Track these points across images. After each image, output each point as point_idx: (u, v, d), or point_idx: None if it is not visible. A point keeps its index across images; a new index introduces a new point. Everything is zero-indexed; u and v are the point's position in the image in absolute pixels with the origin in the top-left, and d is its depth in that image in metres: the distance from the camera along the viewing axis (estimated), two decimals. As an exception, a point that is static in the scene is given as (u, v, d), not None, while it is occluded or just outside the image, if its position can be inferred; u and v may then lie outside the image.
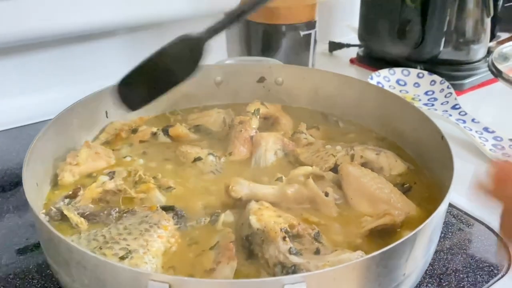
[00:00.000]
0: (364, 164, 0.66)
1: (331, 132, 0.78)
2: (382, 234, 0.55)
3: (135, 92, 0.61)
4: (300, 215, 0.58)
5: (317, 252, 0.51)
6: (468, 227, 0.67)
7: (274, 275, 0.49)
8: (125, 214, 0.57)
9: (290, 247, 0.50)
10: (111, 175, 0.64)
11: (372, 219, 0.57)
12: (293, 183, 0.62)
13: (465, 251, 0.62)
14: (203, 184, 0.65)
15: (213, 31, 0.60)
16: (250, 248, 0.53)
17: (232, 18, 0.60)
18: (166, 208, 0.58)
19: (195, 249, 0.53)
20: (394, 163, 0.67)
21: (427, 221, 0.47)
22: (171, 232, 0.54)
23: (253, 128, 0.73)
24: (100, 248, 0.50)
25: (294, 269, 0.48)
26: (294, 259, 0.49)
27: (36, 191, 0.59)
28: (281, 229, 0.51)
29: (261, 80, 0.84)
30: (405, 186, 0.64)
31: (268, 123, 0.79)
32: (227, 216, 0.58)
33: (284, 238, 0.50)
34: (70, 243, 0.44)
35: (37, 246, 0.62)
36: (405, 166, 0.68)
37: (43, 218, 0.48)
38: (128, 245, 0.50)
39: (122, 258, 0.48)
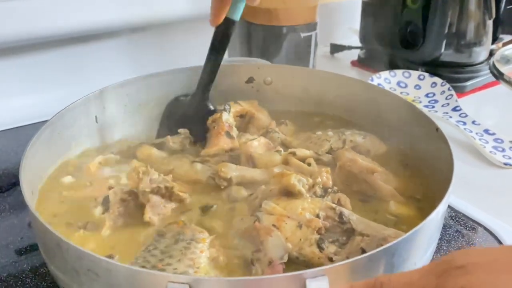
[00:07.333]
0: (353, 148, 0.69)
1: (302, 126, 0.77)
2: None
3: None
4: None
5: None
6: (466, 229, 0.66)
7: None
8: (154, 241, 0.52)
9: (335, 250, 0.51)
10: (106, 203, 0.57)
11: None
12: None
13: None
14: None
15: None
16: None
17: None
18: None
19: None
20: (378, 144, 0.71)
21: (425, 221, 0.46)
22: (209, 243, 0.51)
23: (226, 123, 0.72)
24: None
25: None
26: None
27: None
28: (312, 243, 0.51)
29: (250, 80, 0.83)
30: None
31: (245, 121, 0.78)
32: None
33: (319, 245, 0.51)
34: (79, 249, 0.42)
35: (32, 246, 0.62)
36: (386, 146, 0.71)
37: (48, 225, 0.45)
38: (176, 268, 0.47)
39: None
